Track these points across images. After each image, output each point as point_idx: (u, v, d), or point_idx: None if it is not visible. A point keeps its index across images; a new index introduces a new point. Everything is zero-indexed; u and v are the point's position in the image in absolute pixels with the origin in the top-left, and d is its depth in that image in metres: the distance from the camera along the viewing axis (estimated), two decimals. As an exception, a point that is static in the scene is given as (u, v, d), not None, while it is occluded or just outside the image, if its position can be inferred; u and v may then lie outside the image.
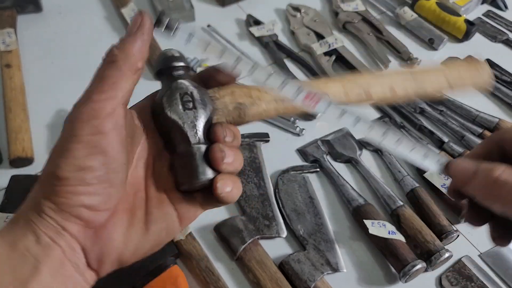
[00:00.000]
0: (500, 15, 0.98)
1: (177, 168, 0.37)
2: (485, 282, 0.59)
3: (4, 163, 0.70)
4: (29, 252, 0.31)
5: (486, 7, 1.00)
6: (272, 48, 0.88)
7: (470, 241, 0.64)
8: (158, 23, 0.36)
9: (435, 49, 0.90)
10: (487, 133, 0.74)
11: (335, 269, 0.59)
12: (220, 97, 0.38)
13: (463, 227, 0.65)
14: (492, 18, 0.97)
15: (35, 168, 0.69)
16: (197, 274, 0.58)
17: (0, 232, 0.32)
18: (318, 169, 0.70)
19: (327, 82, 0.41)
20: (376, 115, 0.79)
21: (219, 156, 0.35)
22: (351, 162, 0.72)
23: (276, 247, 0.62)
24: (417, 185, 0.66)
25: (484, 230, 0.65)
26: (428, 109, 0.78)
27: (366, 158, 0.72)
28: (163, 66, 0.38)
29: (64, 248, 0.32)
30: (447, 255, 0.58)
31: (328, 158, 0.72)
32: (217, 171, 0.36)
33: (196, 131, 0.36)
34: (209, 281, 0.57)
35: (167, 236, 0.38)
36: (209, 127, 0.37)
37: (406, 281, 0.58)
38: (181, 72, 0.38)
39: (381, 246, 0.60)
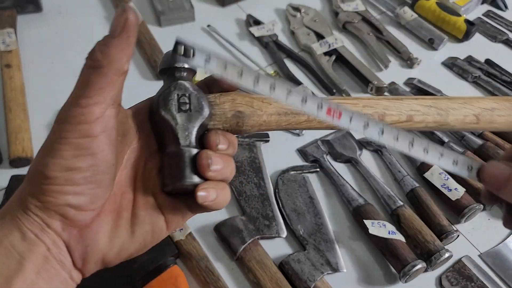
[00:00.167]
0: (500, 15, 0.98)
1: (164, 168, 0.36)
2: (485, 282, 0.59)
3: (4, 163, 0.70)
4: (14, 248, 0.31)
5: (486, 7, 1.00)
6: (272, 48, 0.88)
7: (470, 241, 0.64)
8: (174, 52, 0.35)
9: (435, 49, 0.90)
10: (487, 133, 0.74)
11: (335, 269, 0.59)
12: (220, 103, 0.38)
13: (463, 227, 0.65)
14: (492, 18, 0.97)
15: (35, 168, 0.69)
16: (197, 274, 0.58)
17: None
18: (318, 169, 0.70)
19: (340, 103, 0.39)
20: (376, 115, 0.79)
21: (205, 163, 0.35)
22: (351, 162, 0.72)
23: (276, 247, 0.62)
24: (417, 185, 0.66)
25: (484, 230, 0.65)
26: (428, 109, 0.78)
27: (366, 158, 0.72)
28: (166, 66, 0.38)
29: (49, 245, 0.32)
30: (447, 255, 0.58)
31: (328, 158, 0.72)
32: (204, 178, 0.35)
33: (188, 133, 0.36)
34: (209, 281, 0.57)
35: (153, 239, 0.37)
36: (204, 132, 0.37)
37: (406, 281, 0.58)
38: (183, 73, 0.38)
39: (381, 246, 0.60)
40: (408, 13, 0.93)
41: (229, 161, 0.37)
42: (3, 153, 0.70)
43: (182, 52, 0.35)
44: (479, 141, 0.72)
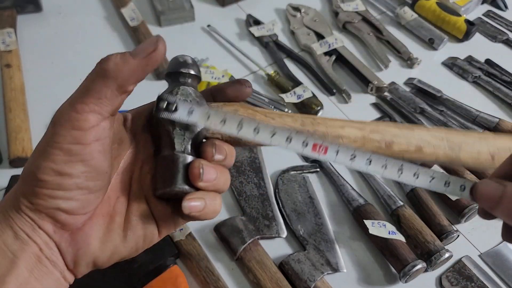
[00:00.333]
0: (500, 15, 0.98)
1: (157, 172, 0.36)
2: (485, 282, 0.59)
3: (4, 163, 0.70)
4: (7, 247, 0.32)
5: (486, 7, 1.00)
6: (272, 48, 0.88)
7: (470, 241, 0.64)
8: (157, 107, 0.35)
9: (435, 49, 0.90)
10: (488, 133, 0.74)
11: (335, 269, 0.59)
12: None
13: (463, 227, 0.65)
14: (492, 18, 0.97)
15: (35, 168, 0.69)
16: (197, 274, 0.58)
17: None
18: (318, 169, 0.70)
19: (345, 125, 0.39)
20: (377, 115, 0.79)
21: (196, 172, 0.35)
22: (351, 162, 0.72)
23: (276, 247, 0.62)
24: (417, 185, 0.66)
25: (484, 230, 0.65)
26: (428, 109, 0.78)
27: (366, 158, 0.72)
28: (172, 70, 0.38)
29: (41, 245, 0.32)
30: (447, 255, 0.58)
31: (328, 158, 0.72)
32: (195, 187, 0.35)
33: (184, 139, 0.36)
34: (209, 281, 0.57)
35: (145, 244, 0.37)
36: (202, 141, 0.37)
37: (406, 281, 0.58)
38: (188, 79, 0.38)
39: (381, 246, 0.60)
40: (408, 13, 0.93)
41: (223, 172, 0.36)
42: (3, 153, 0.70)
43: (164, 107, 0.35)
44: (479, 141, 0.72)
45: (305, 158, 0.72)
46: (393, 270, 0.59)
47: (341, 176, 0.69)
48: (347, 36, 0.93)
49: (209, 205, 0.35)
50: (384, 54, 0.87)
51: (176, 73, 0.38)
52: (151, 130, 0.38)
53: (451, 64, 0.87)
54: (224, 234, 0.61)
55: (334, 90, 0.82)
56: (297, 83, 0.81)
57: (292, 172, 0.69)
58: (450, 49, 0.90)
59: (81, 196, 0.33)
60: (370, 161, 0.36)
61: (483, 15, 0.98)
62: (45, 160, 0.31)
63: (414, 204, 0.65)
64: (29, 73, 0.82)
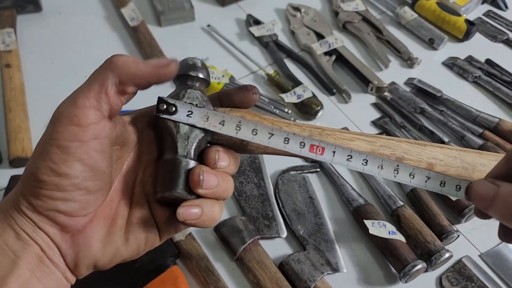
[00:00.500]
0: (501, 15, 0.98)
1: (158, 174, 0.36)
2: (485, 282, 0.59)
3: (4, 163, 0.70)
4: (8, 247, 0.31)
5: (486, 7, 1.00)
6: (272, 48, 0.88)
7: (470, 241, 0.64)
8: (157, 109, 0.36)
9: (435, 49, 0.90)
10: (488, 133, 0.74)
11: (335, 269, 0.59)
12: None
13: (463, 227, 0.65)
14: (492, 18, 0.97)
15: (35, 168, 0.69)
16: (197, 274, 0.58)
17: None
18: (318, 169, 0.70)
19: (355, 138, 0.39)
20: (377, 115, 0.79)
21: (196, 179, 0.34)
22: (351, 162, 0.72)
23: (276, 247, 0.62)
24: (417, 185, 0.66)
25: (484, 230, 0.65)
26: (429, 109, 0.78)
27: (366, 158, 0.72)
28: (180, 72, 0.37)
29: (42, 245, 0.32)
30: (447, 255, 0.58)
31: (328, 158, 0.72)
32: (195, 193, 0.35)
33: (188, 143, 0.36)
34: (209, 281, 0.57)
35: (146, 247, 0.37)
36: (205, 147, 0.37)
37: (406, 281, 0.58)
38: (196, 83, 0.37)
39: (381, 246, 0.60)
40: (408, 13, 0.93)
41: (225, 180, 0.36)
42: (3, 153, 0.70)
43: (164, 108, 0.35)
44: (479, 141, 0.72)
45: (305, 158, 0.72)
46: (393, 270, 0.59)
47: (341, 176, 0.69)
48: (347, 36, 0.93)
49: (206, 213, 0.35)
50: (384, 54, 0.87)
51: (185, 75, 0.37)
52: (155, 132, 0.38)
53: (451, 64, 0.87)
54: (224, 234, 0.61)
55: (334, 90, 0.82)
56: (297, 83, 0.81)
57: (292, 172, 0.69)
58: (450, 49, 0.90)
59: (80, 197, 0.32)
60: (366, 162, 0.36)
61: (483, 15, 0.98)
62: (43, 159, 0.31)
63: (414, 204, 0.65)
64: (29, 73, 0.82)
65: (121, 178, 0.37)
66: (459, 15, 0.91)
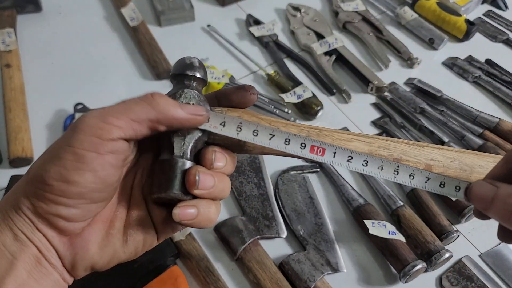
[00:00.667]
0: (501, 15, 0.98)
1: (154, 175, 0.36)
2: (485, 282, 0.59)
3: (4, 163, 0.70)
4: (5, 248, 0.31)
5: (486, 7, 1.00)
6: (272, 48, 0.88)
7: (470, 241, 0.64)
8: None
9: (435, 49, 0.90)
10: (488, 133, 0.74)
11: (335, 269, 0.59)
12: None
13: (463, 227, 0.65)
14: (492, 18, 0.97)
15: (35, 168, 0.69)
16: (197, 274, 0.58)
17: None
18: (318, 169, 0.70)
19: (353, 139, 0.38)
20: (377, 115, 0.79)
21: (192, 180, 0.34)
22: (351, 162, 0.72)
23: (276, 247, 0.62)
24: (417, 185, 0.66)
25: (484, 230, 0.65)
26: (429, 109, 0.78)
27: (366, 158, 0.72)
28: (177, 72, 0.37)
29: (40, 247, 0.32)
30: (447, 255, 0.58)
31: (328, 158, 0.72)
32: (191, 194, 0.35)
33: (184, 143, 0.35)
34: (209, 281, 0.57)
35: (144, 248, 0.37)
36: (202, 147, 0.37)
37: (406, 281, 0.58)
38: (193, 82, 0.37)
39: (381, 246, 0.60)
40: (408, 13, 0.93)
41: (222, 180, 0.36)
42: (3, 153, 0.70)
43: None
44: (479, 141, 0.72)
45: (304, 159, 0.72)
46: (393, 270, 0.59)
47: (341, 176, 0.69)
48: (347, 36, 0.93)
49: (202, 214, 0.35)
50: (384, 54, 0.87)
51: (181, 75, 0.37)
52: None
53: (451, 64, 0.87)
54: (224, 234, 0.61)
55: (334, 90, 0.82)
56: (297, 83, 0.81)
57: (292, 172, 0.69)
58: (450, 49, 0.90)
59: (83, 205, 0.32)
60: (367, 163, 0.36)
61: (483, 15, 0.98)
62: (55, 164, 0.31)
63: (414, 204, 0.65)
64: (29, 73, 0.82)
65: (121, 182, 0.37)
66: (459, 15, 0.91)
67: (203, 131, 0.36)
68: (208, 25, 0.92)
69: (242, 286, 0.59)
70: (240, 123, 0.36)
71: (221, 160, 0.36)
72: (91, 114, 0.32)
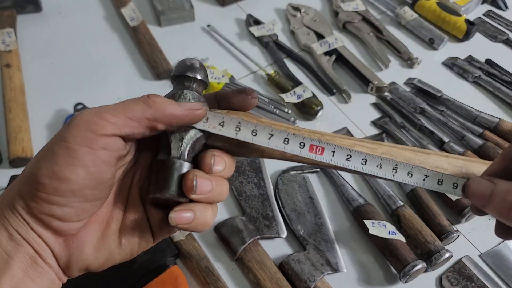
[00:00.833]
0: (501, 15, 0.98)
1: (152, 175, 0.36)
2: (485, 282, 0.59)
3: (4, 163, 0.70)
4: (1, 248, 0.31)
5: (486, 7, 1.00)
6: (272, 48, 0.88)
7: (470, 241, 0.64)
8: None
9: (435, 49, 0.90)
10: (488, 133, 0.74)
11: (335, 269, 0.59)
12: None
13: (463, 227, 0.65)
14: (492, 18, 0.97)
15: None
16: (197, 274, 0.58)
17: None
18: (318, 169, 0.70)
19: (355, 144, 0.38)
20: (377, 115, 0.79)
21: (189, 184, 0.34)
22: (351, 162, 0.72)
23: (276, 247, 0.62)
24: (417, 185, 0.66)
25: (484, 230, 0.65)
26: (429, 109, 0.78)
27: (366, 158, 0.72)
28: (177, 73, 0.37)
29: (35, 246, 0.32)
30: (447, 255, 0.58)
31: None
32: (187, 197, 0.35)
33: (182, 145, 0.35)
34: (209, 281, 0.57)
35: (140, 249, 0.37)
36: (201, 150, 0.37)
37: (406, 281, 0.58)
38: (193, 84, 0.37)
39: (381, 246, 0.60)
40: (408, 13, 0.93)
41: (220, 184, 0.36)
42: (3, 153, 0.70)
43: None
44: (479, 141, 0.72)
45: (302, 161, 0.72)
46: (393, 270, 0.59)
47: (341, 176, 0.69)
48: (347, 36, 0.93)
49: (199, 217, 0.35)
50: (384, 54, 0.87)
51: (182, 76, 0.37)
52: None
53: (451, 64, 0.87)
54: (224, 234, 0.61)
55: (334, 90, 0.82)
56: (297, 83, 0.81)
57: (292, 172, 0.69)
58: (450, 49, 0.90)
59: (76, 204, 0.32)
60: (366, 161, 0.37)
61: (483, 15, 0.98)
62: (48, 160, 0.31)
63: (414, 204, 0.65)
64: (29, 73, 0.82)
65: (118, 181, 0.37)
66: (459, 15, 0.91)
67: (202, 132, 0.36)
68: (208, 25, 0.92)
69: (242, 286, 0.59)
70: (239, 123, 0.36)
71: (220, 164, 0.36)
72: (87, 111, 0.32)
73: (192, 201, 0.35)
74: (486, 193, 0.34)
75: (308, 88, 0.79)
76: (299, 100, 0.77)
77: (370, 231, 0.59)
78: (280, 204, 0.65)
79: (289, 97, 0.78)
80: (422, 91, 0.81)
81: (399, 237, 0.59)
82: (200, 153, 0.36)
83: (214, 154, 0.36)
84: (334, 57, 0.86)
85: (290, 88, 0.79)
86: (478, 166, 0.39)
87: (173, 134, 0.35)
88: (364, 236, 0.63)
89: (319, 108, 0.77)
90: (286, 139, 0.36)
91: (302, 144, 0.36)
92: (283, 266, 0.58)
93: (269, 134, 0.36)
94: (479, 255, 0.62)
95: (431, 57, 0.89)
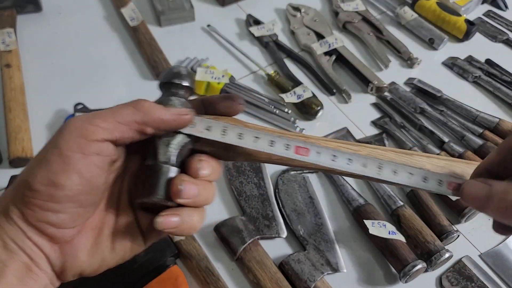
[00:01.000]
0: (501, 15, 0.98)
1: (140, 179, 0.37)
2: (485, 282, 0.59)
3: (3, 163, 0.70)
4: None
5: (486, 7, 1.00)
6: (272, 48, 0.88)
7: (470, 241, 0.64)
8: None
9: (435, 49, 0.90)
10: (488, 133, 0.74)
11: (335, 269, 0.59)
12: None
13: (463, 227, 0.65)
14: (492, 18, 0.97)
15: (35, 168, 0.69)
16: (197, 274, 0.58)
17: None
18: (318, 169, 0.70)
19: (339, 146, 0.38)
20: (377, 115, 0.79)
21: (175, 189, 0.34)
22: (351, 162, 0.72)
23: (276, 247, 0.62)
24: (417, 185, 0.66)
25: (484, 230, 0.65)
26: (429, 109, 0.78)
27: (366, 158, 0.72)
28: (164, 80, 0.38)
29: (30, 254, 0.32)
30: (447, 255, 0.58)
31: (328, 158, 0.72)
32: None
33: (169, 150, 0.36)
34: (209, 281, 0.57)
35: (132, 253, 0.37)
36: (188, 155, 0.37)
37: (406, 281, 0.58)
38: (180, 90, 0.38)
39: (381, 246, 0.60)
40: (408, 13, 0.93)
41: (207, 188, 0.36)
42: (3, 153, 0.70)
43: None
44: (479, 141, 0.72)
45: (291, 165, 0.72)
46: (393, 270, 0.59)
47: (341, 176, 0.69)
48: (347, 36, 0.93)
49: (186, 222, 0.35)
50: (384, 54, 0.87)
51: (169, 83, 0.38)
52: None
53: (451, 64, 0.87)
54: (224, 234, 0.61)
55: (334, 90, 0.82)
56: (297, 83, 0.81)
57: (292, 172, 0.69)
58: (450, 49, 0.90)
59: (71, 210, 0.32)
60: (351, 161, 0.37)
61: (483, 15, 0.98)
62: (42, 167, 0.31)
63: (414, 204, 0.65)
64: (29, 73, 0.82)
65: (109, 187, 0.37)
66: (459, 15, 0.91)
67: (189, 137, 0.37)
68: (208, 25, 0.92)
69: (242, 286, 0.59)
70: (225, 127, 0.36)
71: (207, 168, 0.36)
72: (78, 118, 0.33)
73: (180, 205, 0.35)
74: (483, 195, 0.34)
75: (308, 88, 0.79)
76: (299, 100, 0.77)
77: (370, 231, 0.59)
78: (280, 204, 0.65)
79: (289, 97, 0.78)
80: (422, 91, 0.81)
81: (399, 237, 0.59)
82: (187, 158, 0.37)
83: (201, 159, 0.36)
84: (334, 57, 0.86)
85: (290, 88, 0.79)
86: (461, 166, 0.39)
87: (160, 139, 0.36)
88: (364, 236, 0.63)
89: (319, 108, 0.77)
90: (272, 141, 0.36)
91: (287, 145, 0.37)
92: (283, 266, 0.58)
93: (255, 137, 0.36)
94: (479, 255, 0.62)
95: (431, 57, 0.89)
